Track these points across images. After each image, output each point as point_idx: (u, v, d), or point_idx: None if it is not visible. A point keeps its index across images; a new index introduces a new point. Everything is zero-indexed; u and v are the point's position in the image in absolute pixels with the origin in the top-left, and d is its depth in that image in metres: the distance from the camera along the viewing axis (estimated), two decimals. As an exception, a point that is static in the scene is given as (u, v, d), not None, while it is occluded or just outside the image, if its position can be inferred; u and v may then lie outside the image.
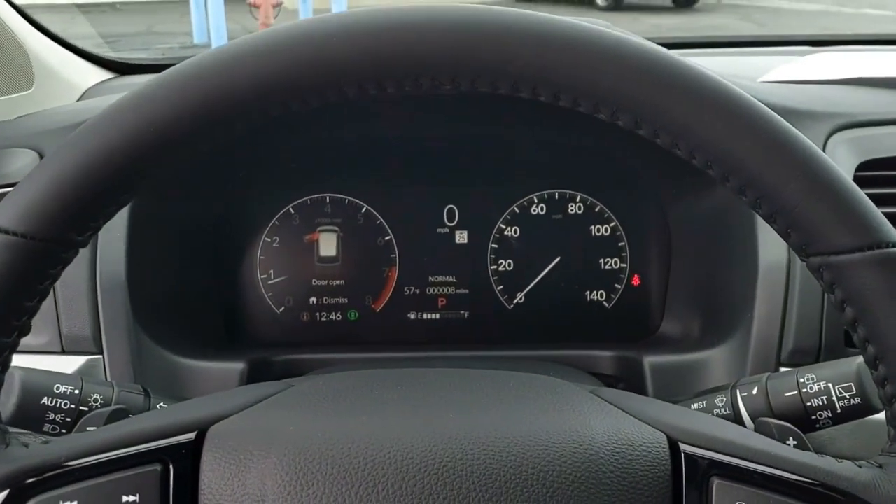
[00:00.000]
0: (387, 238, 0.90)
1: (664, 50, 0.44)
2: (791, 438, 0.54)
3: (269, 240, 0.89)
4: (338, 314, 0.90)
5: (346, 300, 0.90)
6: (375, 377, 0.54)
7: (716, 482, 0.44)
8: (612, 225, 0.90)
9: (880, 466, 0.44)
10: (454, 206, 0.90)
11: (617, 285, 0.90)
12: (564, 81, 0.42)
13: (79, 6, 12.01)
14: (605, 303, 0.91)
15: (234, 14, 9.63)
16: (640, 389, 0.76)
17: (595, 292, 0.91)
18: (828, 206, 0.43)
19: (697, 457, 0.44)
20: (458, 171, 0.90)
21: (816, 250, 0.43)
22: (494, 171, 0.91)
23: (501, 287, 0.90)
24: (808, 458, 0.46)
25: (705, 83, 0.44)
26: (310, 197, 0.89)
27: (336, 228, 0.90)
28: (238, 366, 0.76)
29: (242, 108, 0.42)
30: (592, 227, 0.91)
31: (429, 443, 0.43)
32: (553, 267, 0.90)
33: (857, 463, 0.46)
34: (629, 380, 0.78)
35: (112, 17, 11.57)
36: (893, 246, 0.43)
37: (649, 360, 0.76)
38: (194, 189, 0.83)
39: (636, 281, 0.90)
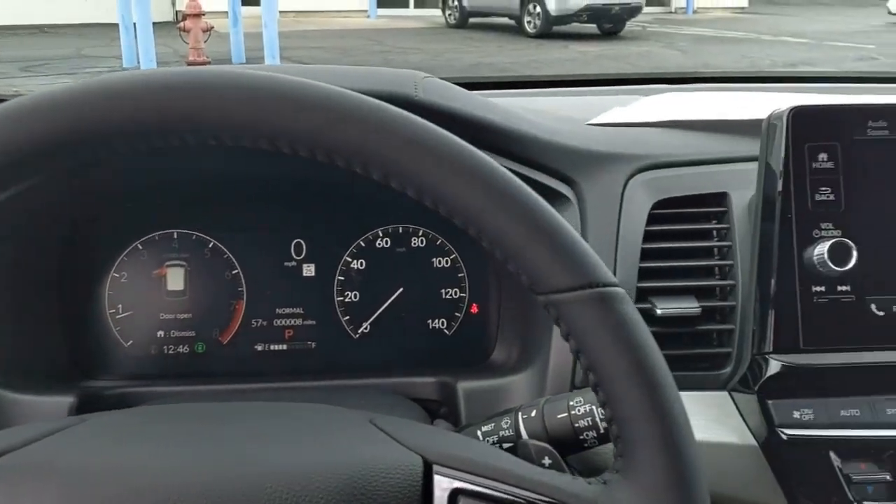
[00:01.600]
0: (234, 272, 0.93)
1: (396, 109, 0.49)
2: (547, 458, 0.60)
3: (117, 275, 0.92)
4: (185, 347, 0.93)
5: (193, 333, 0.93)
6: (165, 412, 0.57)
7: (461, 501, 0.49)
8: (452, 257, 0.95)
9: (605, 483, 0.50)
10: (301, 241, 0.94)
11: (457, 313, 0.95)
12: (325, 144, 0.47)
13: (7, 28, 11.75)
14: (445, 330, 0.96)
15: (165, 38, 9.55)
16: (457, 414, 0.81)
17: (437, 320, 0.96)
18: (548, 250, 0.48)
19: (447, 478, 0.49)
20: (304, 207, 0.94)
21: (541, 290, 0.48)
22: (340, 206, 0.95)
23: (347, 318, 0.95)
24: (545, 476, 0.51)
25: (444, 144, 0.49)
26: (158, 233, 0.93)
27: (184, 263, 0.93)
28: (67, 399, 0.78)
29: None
30: (434, 259, 0.96)
31: (188, 477, 0.46)
32: (397, 297, 0.95)
33: (588, 480, 0.51)
34: (449, 405, 0.83)
35: (41, 40, 11.35)
36: (604, 286, 0.48)
37: (462, 386, 0.82)
38: (36, 228, 0.85)
39: (475, 309, 0.95)
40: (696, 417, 0.76)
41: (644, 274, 0.81)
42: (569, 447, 0.65)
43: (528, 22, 12.13)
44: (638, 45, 11.36)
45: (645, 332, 0.50)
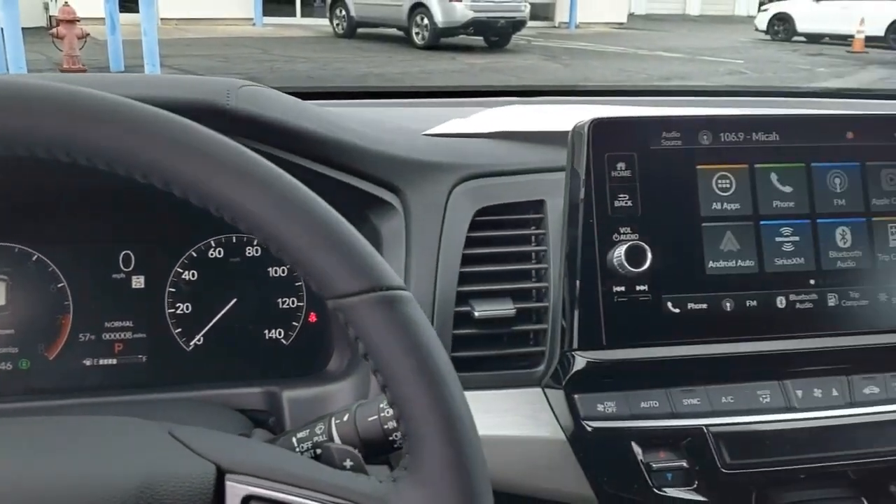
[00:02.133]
0: (59, 285, 0.91)
1: (176, 117, 0.50)
2: (348, 460, 0.61)
3: (-69, 292, 0.88)
4: (7, 364, 0.90)
5: (16, 349, 0.90)
6: None
7: None
8: (288, 266, 0.96)
9: (395, 481, 0.52)
10: (130, 252, 0.93)
11: (294, 323, 0.96)
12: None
13: None
14: (283, 340, 0.96)
15: (39, 45, 9.10)
16: (283, 422, 0.82)
17: (274, 330, 0.96)
18: (333, 255, 0.50)
19: (240, 485, 0.50)
20: (133, 217, 0.93)
21: (329, 294, 0.50)
22: (171, 216, 0.94)
23: (179, 330, 0.94)
24: (338, 478, 0.52)
25: (224, 150, 0.50)
26: (-25, 247, 0.89)
27: (5, 277, 0.90)
28: None
29: None
30: (270, 268, 0.96)
31: None
32: (230, 308, 0.95)
33: (380, 479, 0.53)
34: (277, 414, 0.84)
35: None
36: (389, 289, 0.50)
37: (287, 395, 0.82)
38: None
39: (313, 318, 0.96)
40: (512, 414, 0.80)
41: (465, 278, 0.84)
42: (381, 449, 0.66)
43: (417, 33, 12.23)
44: (523, 58, 11.64)
45: (428, 333, 0.52)
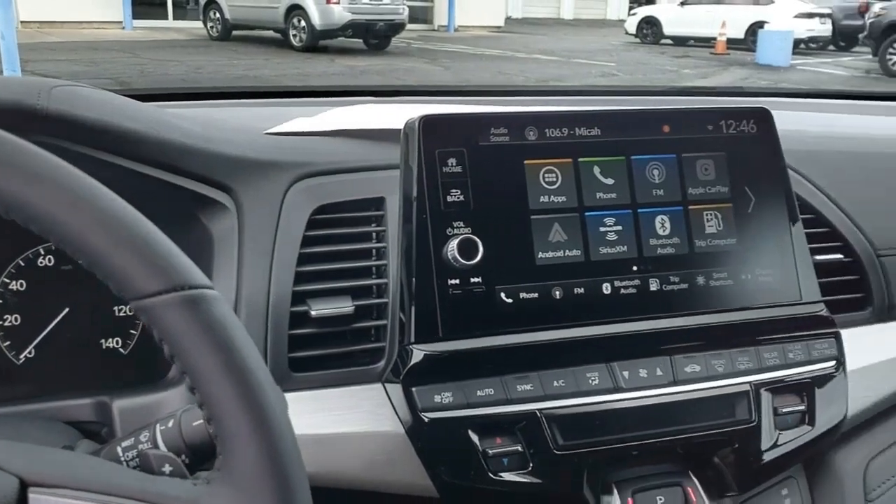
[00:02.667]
0: None
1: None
2: (167, 465, 0.60)
3: None
4: None
5: None
6: None
7: None
8: None
9: (208, 482, 0.51)
10: (-51, 264, 0.88)
11: (132, 331, 0.93)
12: None
13: None
14: (121, 349, 0.93)
15: None
16: (114, 433, 0.79)
17: (111, 340, 0.93)
18: (131, 255, 0.48)
19: (45, 496, 0.48)
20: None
21: (130, 296, 0.49)
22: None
23: (8, 343, 0.89)
24: (149, 483, 0.51)
25: (11, 148, 0.48)
26: None
27: None
28: None
29: None
30: (106, 275, 0.92)
31: None
32: (63, 318, 0.91)
33: (193, 481, 0.52)
34: (108, 424, 0.81)
35: None
36: (192, 288, 0.49)
37: (118, 404, 0.80)
38: None
39: None
40: (353, 411, 0.81)
41: (302, 277, 0.84)
42: (209, 453, 0.65)
43: (294, 35, 12.06)
44: (403, 61, 11.69)
45: (234, 331, 0.52)
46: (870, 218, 1.04)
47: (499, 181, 0.83)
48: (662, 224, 0.88)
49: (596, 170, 0.87)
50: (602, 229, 0.86)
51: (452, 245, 0.79)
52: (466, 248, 0.80)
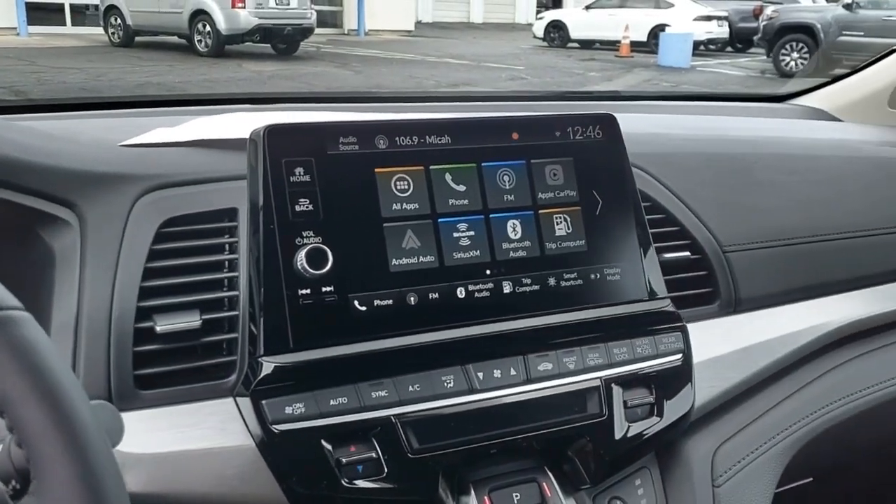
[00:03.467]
0: None
1: None
2: None
3: None
4: None
5: None
6: None
7: None
8: None
9: None
10: None
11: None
12: None
13: None
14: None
15: None
16: None
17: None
18: None
19: None
20: None
21: None
22: None
23: None
24: None
25: None
26: None
27: None
28: None
29: None
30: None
31: None
32: None
33: None
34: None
35: None
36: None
37: None
38: None
39: None
40: (201, 427, 0.80)
41: (148, 293, 0.82)
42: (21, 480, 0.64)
43: (199, 41, 11.80)
44: (313, 65, 11.59)
45: (45, 352, 0.51)
46: (717, 216, 1.09)
47: (349, 190, 0.84)
48: (514, 228, 0.91)
49: (448, 177, 0.88)
50: (455, 235, 0.88)
51: (301, 255, 0.80)
52: (315, 258, 0.80)
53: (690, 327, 0.97)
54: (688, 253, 1.06)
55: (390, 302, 0.84)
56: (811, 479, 1.22)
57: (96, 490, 0.51)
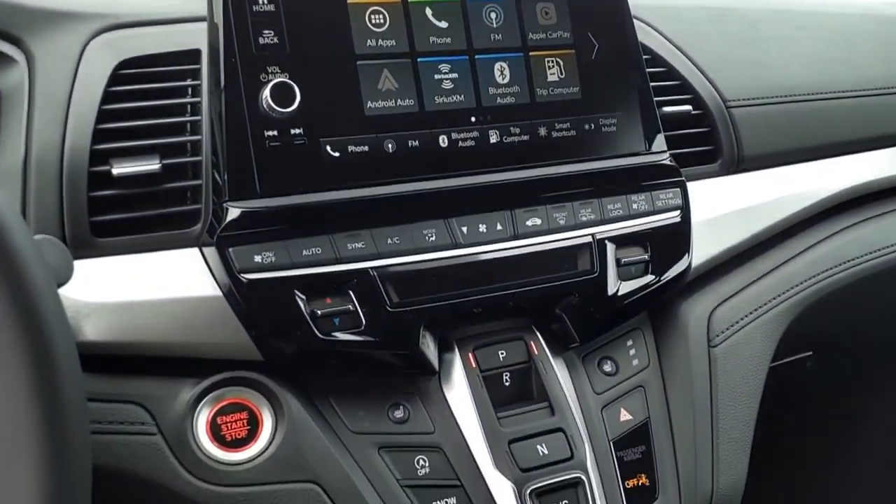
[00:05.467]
0: None
1: None
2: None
3: None
4: None
5: None
6: None
7: None
8: None
9: None
10: None
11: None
12: None
13: None
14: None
15: None
16: None
17: None
18: None
19: None
20: None
21: None
22: None
23: None
24: None
25: None
26: None
27: None
28: None
29: None
30: None
31: None
32: None
33: None
34: None
35: None
36: None
37: None
38: None
39: None
40: (167, 276, 0.75)
41: (103, 135, 0.76)
42: None
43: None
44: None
45: None
46: (721, 70, 1.02)
47: (318, 21, 0.76)
48: (502, 71, 0.83)
49: (428, 11, 0.81)
50: (437, 77, 0.81)
51: (266, 92, 0.73)
52: (281, 94, 0.73)
53: (690, 186, 0.91)
54: (689, 107, 0.99)
55: (366, 148, 0.78)
56: (811, 352, 1.19)
57: (36, 326, 0.46)
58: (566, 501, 0.78)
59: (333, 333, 0.75)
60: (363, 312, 0.76)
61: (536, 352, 0.84)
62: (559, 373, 0.84)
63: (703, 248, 0.92)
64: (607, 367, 0.88)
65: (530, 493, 0.76)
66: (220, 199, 0.74)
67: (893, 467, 1.68)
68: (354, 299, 0.76)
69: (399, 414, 0.79)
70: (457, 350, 0.82)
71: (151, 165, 0.75)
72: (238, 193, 0.73)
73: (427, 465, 0.78)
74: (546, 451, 0.79)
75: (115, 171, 0.74)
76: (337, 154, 0.77)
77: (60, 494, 0.46)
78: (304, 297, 0.74)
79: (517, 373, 0.83)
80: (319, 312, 0.74)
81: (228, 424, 0.74)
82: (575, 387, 0.85)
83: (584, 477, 0.79)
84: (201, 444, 0.72)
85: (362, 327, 0.75)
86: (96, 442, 0.70)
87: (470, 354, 0.82)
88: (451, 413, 0.80)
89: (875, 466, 1.75)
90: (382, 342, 0.76)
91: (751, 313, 0.93)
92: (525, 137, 0.84)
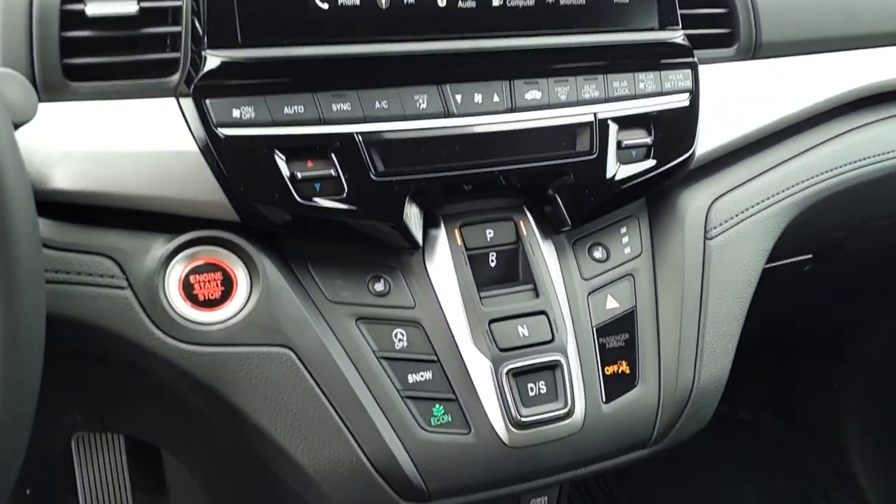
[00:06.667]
0: None
1: None
2: None
3: None
4: None
5: None
6: None
7: None
8: None
9: None
10: None
11: None
12: None
13: None
14: None
15: None
16: None
17: None
18: None
19: None
20: None
21: None
22: None
23: None
24: None
25: None
26: None
27: None
28: None
29: None
30: None
31: None
32: None
33: None
34: None
35: None
36: None
37: None
38: None
39: None
40: (141, 126, 0.70)
41: None
42: None
43: None
44: None
45: None
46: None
47: None
48: (506, -78, 0.77)
49: None
50: (436, -72, 0.74)
51: None
52: None
53: (702, 69, 0.86)
54: (706, -15, 0.92)
55: (356, 2, 0.72)
56: (810, 255, 1.16)
57: None
58: (543, 383, 0.76)
59: (314, 199, 0.71)
60: (345, 179, 0.72)
61: (525, 233, 0.81)
62: (547, 256, 0.81)
63: (709, 137, 0.88)
64: (598, 254, 0.85)
65: (507, 373, 0.75)
66: (198, 46, 0.69)
67: (889, 379, 1.69)
68: (337, 164, 0.72)
69: (379, 287, 0.77)
70: (443, 226, 0.79)
71: (128, 7, 0.70)
72: (218, 42, 0.68)
73: (405, 339, 0.76)
74: (526, 333, 0.77)
75: (89, 10, 0.69)
76: (326, 6, 0.71)
77: (11, 328, 0.44)
78: (283, 157, 0.70)
79: (504, 254, 0.81)
80: (300, 176, 0.71)
81: (202, 284, 0.71)
82: (562, 271, 0.82)
83: (563, 360, 0.77)
84: (172, 302, 0.70)
85: (344, 195, 0.72)
86: (64, 293, 0.68)
87: (456, 231, 0.79)
88: (433, 289, 0.78)
89: (870, 377, 1.76)
90: (365, 212, 0.73)
91: (751, 207, 0.89)
92: (530, 2, 0.78)
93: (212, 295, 0.71)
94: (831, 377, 1.82)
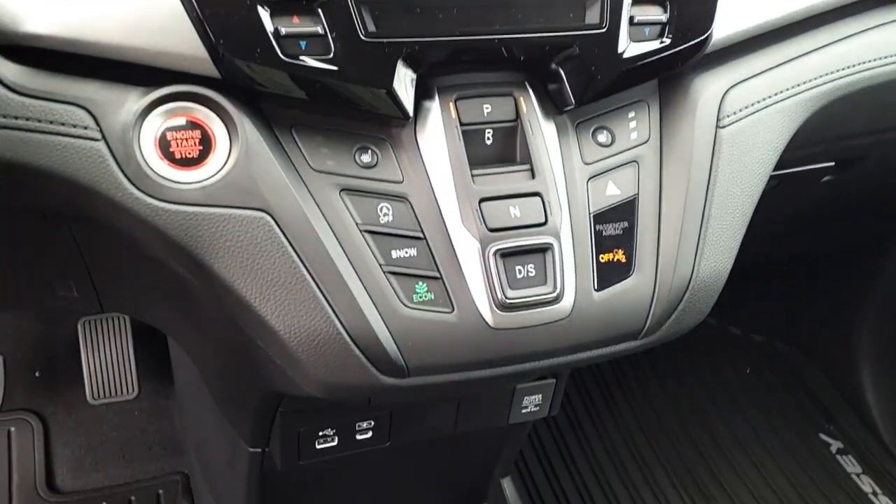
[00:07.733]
0: None
1: None
2: None
3: None
4: None
5: None
6: None
7: None
8: None
9: None
10: None
11: None
12: None
13: None
14: None
15: None
16: None
17: None
18: None
19: None
20: None
21: None
22: None
23: None
24: None
25: None
26: None
27: None
28: None
29: None
30: None
31: None
32: None
33: None
34: None
35: None
36: None
37: None
38: None
39: None
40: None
41: None
42: None
43: None
44: None
45: None
46: None
47: None
48: None
49: None
50: None
51: None
52: None
53: (725, -53, 0.80)
54: None
55: None
56: (832, 163, 1.11)
57: None
58: (532, 266, 0.73)
59: (300, 58, 0.68)
60: (333, 38, 0.68)
61: (525, 110, 0.76)
62: (547, 136, 0.77)
63: (729, 20, 0.82)
64: (602, 138, 0.81)
65: (494, 253, 0.72)
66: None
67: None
68: (324, 21, 0.68)
69: (367, 158, 0.74)
70: (437, 98, 0.75)
71: None
72: None
73: (391, 213, 0.73)
74: (518, 214, 0.74)
75: None
76: None
77: None
78: (267, 10, 0.66)
79: (501, 131, 0.77)
80: (283, 31, 0.67)
81: (179, 142, 0.68)
82: (562, 153, 0.78)
83: (555, 244, 0.74)
84: (147, 158, 0.67)
85: (331, 55, 0.68)
86: (35, 141, 0.65)
87: (451, 104, 0.75)
88: (423, 164, 0.74)
89: (889, 302, 1.72)
90: (352, 74, 0.69)
91: (768, 98, 0.84)
92: None
93: (189, 153, 0.69)
94: (848, 302, 1.77)
